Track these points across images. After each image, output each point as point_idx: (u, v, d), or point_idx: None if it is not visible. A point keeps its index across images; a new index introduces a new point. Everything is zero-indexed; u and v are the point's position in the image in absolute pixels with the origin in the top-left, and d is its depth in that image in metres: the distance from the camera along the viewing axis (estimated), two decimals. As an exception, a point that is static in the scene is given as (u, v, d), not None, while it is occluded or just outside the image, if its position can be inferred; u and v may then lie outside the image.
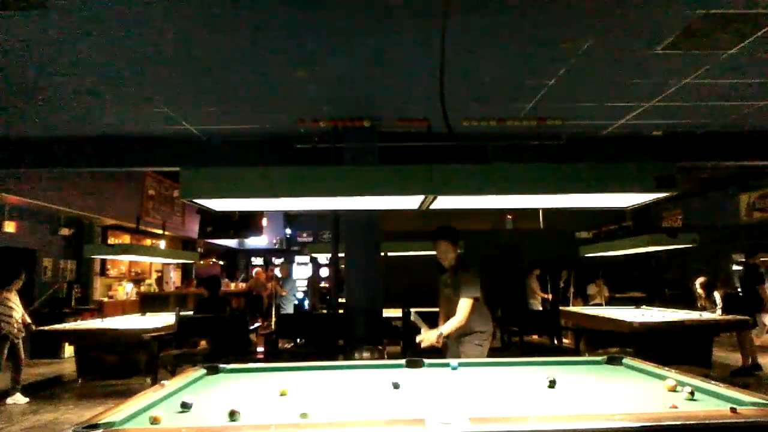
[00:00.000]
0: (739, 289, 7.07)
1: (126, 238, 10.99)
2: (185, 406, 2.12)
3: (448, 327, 3.64)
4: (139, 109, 5.01)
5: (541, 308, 9.40)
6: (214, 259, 15.55)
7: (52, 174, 7.56)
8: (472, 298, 3.66)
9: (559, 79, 4.34)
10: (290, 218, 15.45)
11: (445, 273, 3.93)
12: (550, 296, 9.56)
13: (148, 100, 4.75)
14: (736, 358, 6.69)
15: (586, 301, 9.82)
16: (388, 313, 6.16)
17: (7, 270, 6.05)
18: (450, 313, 3.75)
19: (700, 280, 7.25)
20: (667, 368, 2.69)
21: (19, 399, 5.61)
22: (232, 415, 1.96)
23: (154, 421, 1.88)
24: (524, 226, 13.14)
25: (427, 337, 3.65)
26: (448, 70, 3.20)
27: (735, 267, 10.06)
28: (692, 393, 2.20)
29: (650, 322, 5.77)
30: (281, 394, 2.36)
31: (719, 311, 6.76)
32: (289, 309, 9.42)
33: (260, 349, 7.64)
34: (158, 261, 11.13)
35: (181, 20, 3.38)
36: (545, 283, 9.85)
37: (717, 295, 6.93)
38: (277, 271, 10.03)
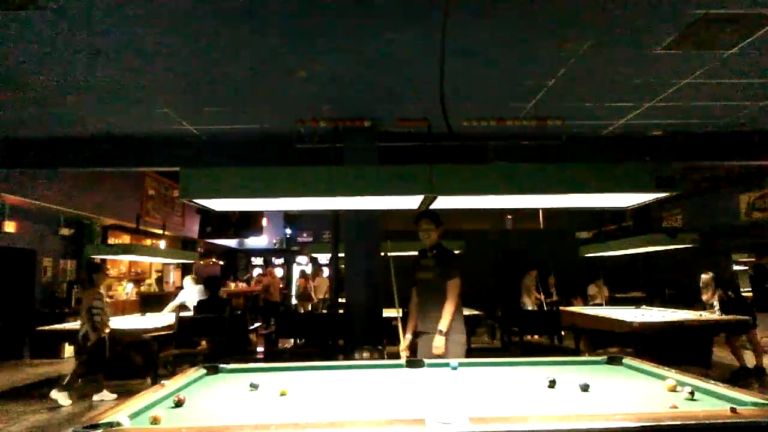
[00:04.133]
0: (741, 290, 7.03)
1: (126, 238, 10.99)
2: (253, 386, 2.44)
3: (445, 322, 3.54)
4: (139, 109, 5.01)
5: (535, 308, 9.44)
6: (214, 259, 15.56)
7: (52, 174, 7.56)
8: (459, 278, 3.63)
9: (559, 79, 4.34)
10: (290, 218, 15.45)
11: (425, 257, 3.82)
12: (543, 297, 9.59)
13: (148, 100, 4.76)
14: (734, 358, 6.68)
15: (586, 301, 9.83)
16: (388, 313, 6.16)
17: (93, 265, 6.07)
18: (428, 298, 3.69)
19: (705, 276, 7.22)
20: (667, 368, 2.69)
21: (62, 399, 5.47)
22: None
23: (154, 421, 1.88)
24: (524, 226, 13.15)
25: (436, 345, 3.51)
26: (448, 69, 3.19)
27: (735, 267, 10.06)
28: (692, 393, 2.20)
29: (650, 322, 5.77)
30: (281, 394, 2.36)
31: (717, 312, 6.76)
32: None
33: (260, 349, 7.65)
34: (158, 261, 11.13)
35: (181, 20, 3.38)
36: (543, 284, 9.88)
37: (715, 296, 6.93)
38: (188, 281, 7.86)
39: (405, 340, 3.81)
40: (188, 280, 7.91)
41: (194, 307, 6.78)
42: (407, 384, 2.63)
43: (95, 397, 5.63)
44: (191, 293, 7.48)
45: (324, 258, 13.70)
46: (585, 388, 2.35)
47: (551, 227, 12.52)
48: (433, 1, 3.11)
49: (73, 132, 5.69)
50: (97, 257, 7.23)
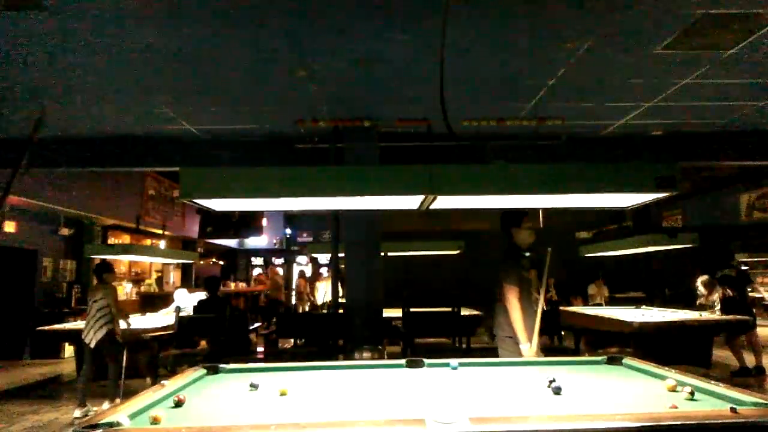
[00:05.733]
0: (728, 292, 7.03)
1: (126, 238, 11.00)
2: (253, 386, 2.45)
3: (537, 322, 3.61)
4: (139, 109, 5.01)
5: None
6: (214, 259, 15.57)
7: (53, 174, 7.56)
8: None
9: (559, 79, 4.34)
10: (290, 218, 15.46)
11: (524, 256, 3.76)
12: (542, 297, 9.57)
13: (148, 100, 4.75)
14: (734, 358, 6.68)
15: (586, 301, 9.83)
16: (388, 313, 6.16)
17: (104, 265, 5.73)
18: (529, 299, 3.67)
19: (702, 278, 7.24)
20: (667, 368, 2.69)
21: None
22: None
23: (154, 421, 1.88)
24: (524, 226, 13.12)
25: (531, 350, 3.50)
26: (448, 70, 3.19)
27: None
28: (692, 393, 2.20)
29: (650, 322, 5.77)
30: (281, 394, 2.36)
31: (718, 312, 6.76)
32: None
33: (260, 349, 7.66)
34: (158, 261, 11.13)
35: (181, 20, 3.37)
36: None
37: (715, 296, 6.93)
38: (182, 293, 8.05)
39: (535, 341, 3.57)
40: (183, 292, 7.96)
41: (194, 307, 6.79)
42: (407, 384, 2.63)
43: (77, 413, 5.03)
44: (184, 301, 7.52)
45: (324, 258, 13.71)
46: (557, 391, 2.30)
47: (551, 227, 12.49)
48: (433, 1, 3.11)
49: (74, 132, 5.69)
50: (97, 257, 7.23)
